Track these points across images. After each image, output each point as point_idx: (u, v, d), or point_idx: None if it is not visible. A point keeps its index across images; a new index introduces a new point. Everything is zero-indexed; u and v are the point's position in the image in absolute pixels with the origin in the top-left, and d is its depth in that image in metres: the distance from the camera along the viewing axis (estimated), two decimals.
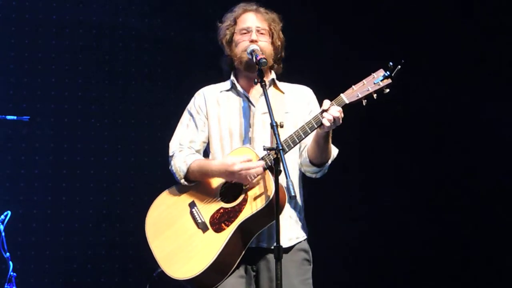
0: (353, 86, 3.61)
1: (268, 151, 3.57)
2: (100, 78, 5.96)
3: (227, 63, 3.92)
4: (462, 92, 6.06)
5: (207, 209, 3.70)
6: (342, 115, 3.55)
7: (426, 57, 6.01)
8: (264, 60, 3.65)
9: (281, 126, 3.52)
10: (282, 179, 3.48)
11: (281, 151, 3.44)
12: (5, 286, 4.61)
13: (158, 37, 6.05)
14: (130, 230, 5.73)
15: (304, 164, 3.79)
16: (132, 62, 6.03)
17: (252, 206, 3.60)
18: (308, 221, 3.85)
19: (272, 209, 3.46)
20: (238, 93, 3.88)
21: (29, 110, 5.51)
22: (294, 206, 3.79)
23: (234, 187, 3.69)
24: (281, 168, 3.43)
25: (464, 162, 6.13)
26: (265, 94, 3.59)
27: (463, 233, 6.13)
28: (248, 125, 3.79)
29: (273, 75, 3.91)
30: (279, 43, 3.87)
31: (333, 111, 3.53)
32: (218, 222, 3.65)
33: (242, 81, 3.89)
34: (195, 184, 3.78)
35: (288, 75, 3.98)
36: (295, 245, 3.76)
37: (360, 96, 3.58)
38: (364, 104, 3.59)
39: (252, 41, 3.79)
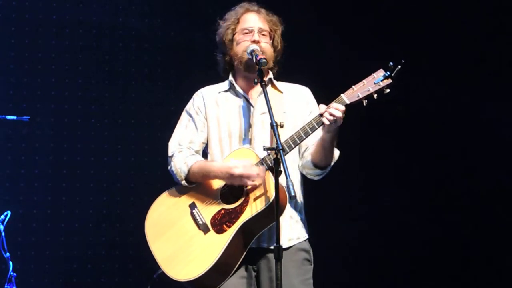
0: (353, 87, 3.60)
1: (268, 151, 3.57)
2: (100, 78, 5.96)
3: (224, 61, 3.91)
4: (462, 92, 6.06)
5: (208, 210, 3.69)
6: (343, 114, 3.54)
7: (426, 57, 6.01)
8: (264, 60, 3.65)
9: (281, 126, 3.52)
10: (282, 179, 3.47)
11: (281, 151, 3.44)
12: (5, 286, 4.61)
13: (158, 37, 6.05)
14: (130, 230, 5.73)
15: (306, 166, 3.79)
16: (132, 62, 6.02)
17: (254, 207, 3.60)
18: (308, 221, 3.85)
19: (273, 210, 3.46)
20: (236, 94, 3.88)
21: (29, 110, 5.51)
22: (295, 206, 3.79)
23: (235, 188, 3.69)
24: (281, 168, 3.43)
25: (464, 162, 6.13)
26: (265, 94, 3.59)
27: (463, 233, 6.13)
28: (247, 126, 3.79)
29: (270, 74, 3.90)
30: (279, 46, 3.88)
31: (333, 108, 3.53)
32: (220, 223, 3.65)
33: (240, 81, 3.89)
34: (196, 185, 3.78)
35: (288, 75, 3.97)
36: (295, 245, 3.76)
37: (360, 96, 3.57)
38: (364, 104, 3.58)
39: (254, 42, 3.79)
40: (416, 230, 6.14)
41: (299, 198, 3.83)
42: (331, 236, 5.77)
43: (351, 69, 3.71)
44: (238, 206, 3.64)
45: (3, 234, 4.64)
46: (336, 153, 3.77)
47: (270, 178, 3.58)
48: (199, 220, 3.69)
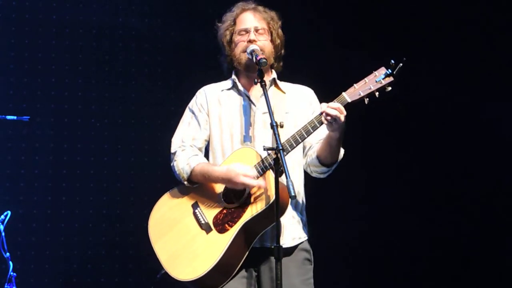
0: (354, 85, 3.60)
1: (268, 151, 3.57)
2: (100, 78, 5.95)
3: (227, 62, 3.92)
4: (462, 92, 6.06)
5: (210, 210, 3.70)
6: (342, 112, 3.54)
7: (426, 57, 6.01)
8: (264, 60, 3.66)
9: (281, 126, 3.52)
10: (283, 178, 3.47)
11: (281, 151, 3.43)
12: (5, 286, 4.61)
13: (158, 37, 6.05)
14: (130, 230, 5.74)
15: (312, 164, 3.79)
16: (132, 62, 6.02)
17: (255, 206, 3.61)
18: (308, 221, 3.86)
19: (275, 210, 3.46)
20: (239, 92, 3.88)
21: (29, 110, 5.51)
22: (296, 206, 3.79)
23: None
24: (282, 168, 3.43)
25: (464, 162, 6.13)
26: (265, 94, 3.59)
27: (463, 233, 6.13)
28: (248, 124, 3.79)
29: (274, 74, 3.91)
30: (279, 41, 3.87)
31: (330, 108, 3.52)
32: (222, 222, 3.65)
33: (243, 80, 3.89)
34: (198, 185, 3.78)
35: (289, 74, 3.98)
36: (297, 245, 3.77)
37: (362, 94, 3.56)
38: (366, 102, 3.58)
39: (250, 41, 3.79)
40: (416, 230, 6.13)
41: (301, 198, 3.83)
42: (331, 236, 5.77)
43: (351, 69, 3.72)
44: (240, 205, 3.64)
45: (3, 234, 4.64)
46: (341, 151, 3.77)
47: (271, 178, 3.57)
48: (201, 219, 3.69)
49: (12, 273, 4.63)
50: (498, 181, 6.08)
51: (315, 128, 3.60)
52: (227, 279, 3.64)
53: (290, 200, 3.59)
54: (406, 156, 6.16)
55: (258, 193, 3.63)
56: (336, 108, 3.52)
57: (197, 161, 3.77)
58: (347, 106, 3.56)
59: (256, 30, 3.83)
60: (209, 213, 3.69)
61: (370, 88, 3.56)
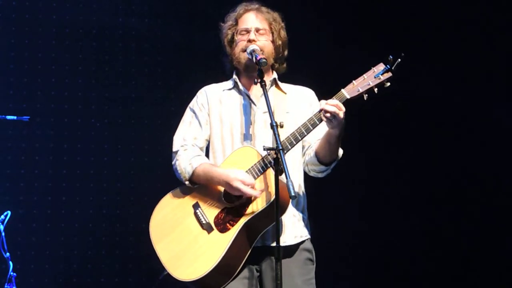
0: (353, 81, 3.61)
1: (268, 151, 3.57)
2: (100, 78, 5.96)
3: (229, 62, 3.93)
4: (462, 92, 6.06)
5: (211, 210, 3.70)
6: (341, 109, 3.54)
7: (426, 57, 6.01)
8: (264, 60, 3.66)
9: (281, 126, 3.53)
10: (283, 177, 3.46)
11: (281, 151, 3.44)
12: (5, 286, 4.61)
13: (158, 37, 6.05)
14: (130, 230, 5.74)
15: (310, 163, 3.80)
16: (132, 62, 6.02)
17: (256, 205, 3.61)
18: (309, 221, 3.86)
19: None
20: (240, 92, 3.89)
21: (29, 110, 5.51)
22: (297, 205, 3.80)
23: None
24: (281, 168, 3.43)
25: (465, 162, 6.13)
26: (265, 94, 3.60)
27: (463, 233, 6.13)
28: (249, 123, 3.80)
29: (274, 74, 3.91)
30: (280, 42, 3.88)
31: (328, 105, 3.52)
32: (223, 222, 3.65)
33: (244, 79, 3.90)
34: (199, 185, 3.78)
35: (289, 74, 3.98)
36: (299, 243, 3.77)
37: (361, 90, 3.58)
38: (365, 98, 3.58)
39: (250, 41, 3.79)
40: (416, 230, 6.13)
41: (302, 197, 3.83)
42: (331, 236, 5.77)
43: (351, 69, 3.71)
44: (240, 205, 3.65)
45: (3, 234, 4.64)
46: (340, 151, 3.77)
47: (272, 177, 3.57)
48: (202, 219, 3.69)
49: (12, 273, 4.63)
50: (498, 181, 6.08)
51: (314, 125, 3.61)
52: (229, 279, 3.64)
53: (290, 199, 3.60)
54: (406, 156, 6.16)
55: None
56: (334, 105, 3.53)
57: (199, 161, 3.78)
58: (347, 102, 3.57)
59: (257, 30, 3.83)
60: (210, 213, 3.69)
61: (369, 84, 3.58)
